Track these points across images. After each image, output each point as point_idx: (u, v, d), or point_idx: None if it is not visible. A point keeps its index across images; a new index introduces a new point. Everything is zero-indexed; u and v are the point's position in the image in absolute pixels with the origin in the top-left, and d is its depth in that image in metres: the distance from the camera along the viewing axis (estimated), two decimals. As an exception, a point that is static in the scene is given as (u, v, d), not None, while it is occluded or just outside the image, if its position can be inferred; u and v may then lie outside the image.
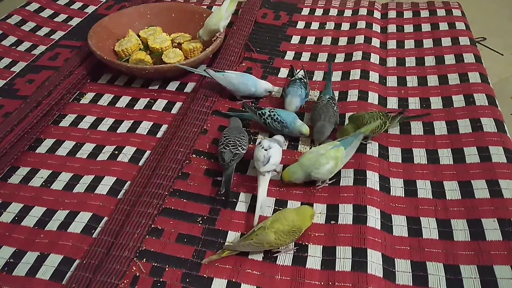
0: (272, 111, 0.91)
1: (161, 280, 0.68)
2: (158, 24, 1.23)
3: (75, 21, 1.36)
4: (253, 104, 1.01)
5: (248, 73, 1.04)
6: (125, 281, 0.68)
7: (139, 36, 1.20)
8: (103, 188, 0.83)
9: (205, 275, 0.69)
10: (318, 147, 0.81)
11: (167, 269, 0.70)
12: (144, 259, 0.71)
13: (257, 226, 0.71)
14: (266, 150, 0.81)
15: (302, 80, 0.99)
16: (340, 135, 0.87)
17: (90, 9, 1.42)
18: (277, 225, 0.69)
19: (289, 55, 1.17)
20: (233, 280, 0.68)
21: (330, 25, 1.27)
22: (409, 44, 1.17)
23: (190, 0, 1.45)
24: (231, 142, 0.84)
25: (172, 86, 1.09)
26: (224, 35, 1.15)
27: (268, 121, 0.91)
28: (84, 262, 0.70)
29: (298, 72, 1.07)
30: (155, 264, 0.71)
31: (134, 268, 0.70)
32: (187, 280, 0.68)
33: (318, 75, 1.09)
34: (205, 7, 1.34)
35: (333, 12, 1.33)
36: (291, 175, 0.79)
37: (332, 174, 0.80)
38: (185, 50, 1.14)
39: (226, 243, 0.73)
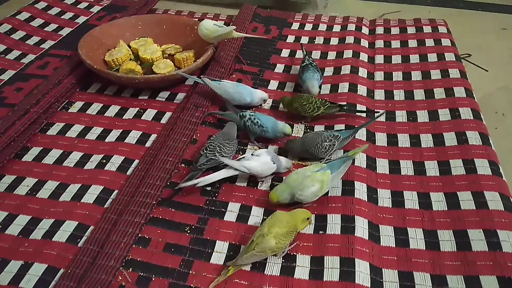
0: (253, 115, 0.92)
1: (147, 289, 0.67)
2: (149, 35, 1.24)
3: (65, 31, 1.36)
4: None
5: (239, 85, 1.05)
6: (110, 291, 0.67)
7: (130, 46, 1.20)
8: (90, 197, 0.82)
9: (192, 285, 0.68)
10: (305, 168, 0.80)
11: (153, 279, 0.69)
12: (131, 269, 0.70)
13: (254, 235, 0.70)
14: (252, 154, 0.81)
15: (312, 64, 1.06)
16: (281, 101, 1.01)
17: (81, 20, 1.42)
18: (275, 229, 0.69)
19: (279, 68, 1.18)
20: (221, 290, 0.68)
21: (319, 40, 1.30)
22: (396, 59, 1.19)
23: (182, 12, 1.47)
24: (211, 147, 0.84)
25: (162, 96, 1.09)
26: (216, 47, 1.16)
27: (248, 123, 0.92)
28: (69, 271, 0.69)
29: (305, 56, 1.10)
30: (142, 274, 0.70)
31: (120, 278, 0.69)
32: (174, 290, 0.68)
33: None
34: (197, 19, 1.35)
35: (322, 27, 1.36)
36: (279, 195, 0.78)
37: (317, 197, 0.79)
38: (178, 60, 1.14)
39: (228, 262, 0.71)
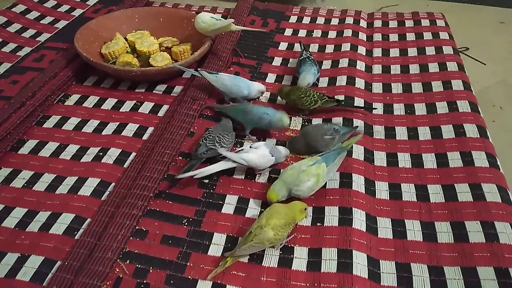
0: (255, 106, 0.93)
1: (144, 281, 0.67)
2: (146, 28, 1.23)
3: (61, 24, 1.35)
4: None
5: (237, 77, 1.04)
6: (107, 283, 0.67)
7: (126, 39, 1.19)
8: (87, 189, 0.82)
9: (189, 277, 0.68)
10: (300, 163, 0.80)
11: (151, 271, 0.69)
12: (128, 261, 0.70)
13: (252, 227, 0.70)
14: (251, 147, 0.81)
15: (310, 57, 1.06)
16: (279, 92, 1.01)
17: (77, 12, 1.41)
18: (273, 221, 0.69)
19: (277, 61, 1.18)
20: (218, 282, 0.67)
21: (317, 33, 1.29)
22: (394, 52, 1.19)
23: (179, 5, 1.46)
24: (211, 137, 0.85)
25: (159, 89, 1.09)
26: (213, 39, 1.16)
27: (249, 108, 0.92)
28: (66, 263, 0.69)
29: (302, 51, 1.10)
30: (139, 266, 0.69)
31: (117, 270, 0.69)
32: (171, 281, 0.67)
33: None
34: (194, 12, 1.34)
35: (320, 20, 1.35)
36: (278, 194, 0.77)
37: (313, 191, 0.78)
38: (175, 53, 1.14)
39: (225, 253, 0.71)
